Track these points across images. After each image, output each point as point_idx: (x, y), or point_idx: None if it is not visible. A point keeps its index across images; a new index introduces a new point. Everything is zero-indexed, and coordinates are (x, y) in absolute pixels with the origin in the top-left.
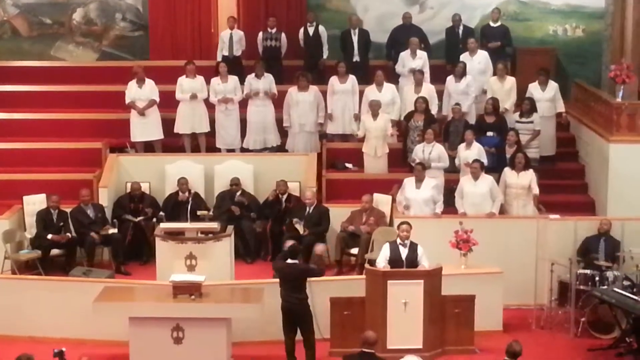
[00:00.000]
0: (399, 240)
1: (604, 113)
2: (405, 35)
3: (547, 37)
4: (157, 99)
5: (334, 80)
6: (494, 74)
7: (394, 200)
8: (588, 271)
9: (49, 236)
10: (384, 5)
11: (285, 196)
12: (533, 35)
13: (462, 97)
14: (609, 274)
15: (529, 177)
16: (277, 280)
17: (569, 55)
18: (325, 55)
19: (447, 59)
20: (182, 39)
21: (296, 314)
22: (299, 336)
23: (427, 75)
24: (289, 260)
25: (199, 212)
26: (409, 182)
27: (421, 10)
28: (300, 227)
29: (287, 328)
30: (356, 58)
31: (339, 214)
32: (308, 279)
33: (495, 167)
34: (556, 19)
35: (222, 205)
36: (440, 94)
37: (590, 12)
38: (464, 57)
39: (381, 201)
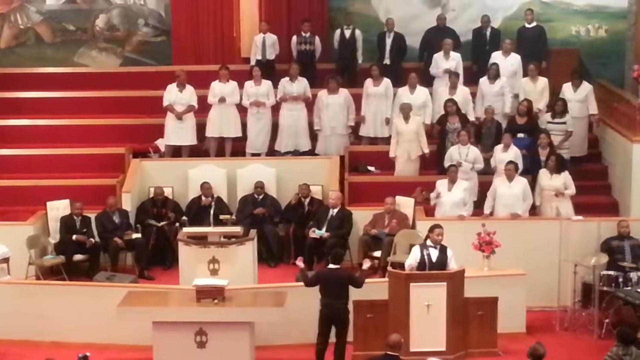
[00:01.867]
0: (429, 242)
1: (627, 113)
2: (438, 37)
3: (569, 37)
4: (196, 105)
5: (368, 83)
6: (524, 75)
7: (416, 203)
8: (611, 272)
9: (74, 237)
10: (405, 7)
11: (307, 200)
12: (555, 36)
13: (497, 99)
14: (633, 275)
15: (562, 179)
16: (299, 284)
17: (591, 56)
18: (360, 60)
19: (473, 60)
20: (205, 43)
21: (337, 319)
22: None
23: (461, 77)
24: (331, 266)
25: (221, 217)
26: (442, 184)
27: (443, 12)
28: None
29: (323, 331)
30: (386, 61)
31: (361, 217)
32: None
33: (527, 168)
34: (579, 20)
35: (244, 209)
36: (472, 96)
37: (612, 12)
38: (497, 57)
39: (404, 204)
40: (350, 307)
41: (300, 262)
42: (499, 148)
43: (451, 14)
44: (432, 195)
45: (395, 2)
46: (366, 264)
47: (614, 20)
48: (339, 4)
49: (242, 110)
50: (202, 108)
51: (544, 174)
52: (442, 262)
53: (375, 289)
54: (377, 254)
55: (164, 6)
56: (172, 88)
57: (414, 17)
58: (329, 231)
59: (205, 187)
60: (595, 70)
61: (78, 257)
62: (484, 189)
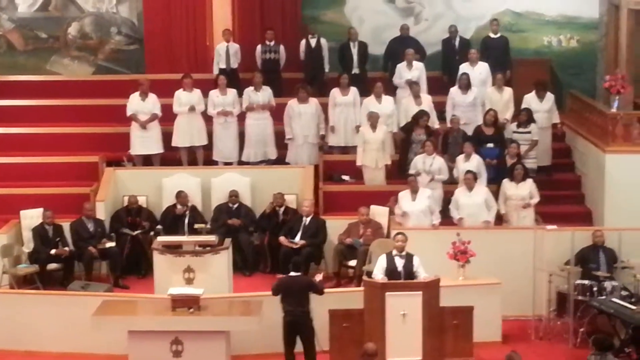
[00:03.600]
0: (394, 252)
1: (599, 123)
2: (402, 46)
3: (541, 48)
4: (160, 114)
5: (335, 92)
6: (493, 84)
7: (391, 212)
8: (586, 281)
9: (53, 251)
10: (379, 17)
11: (282, 209)
12: (528, 46)
13: (470, 109)
14: (607, 284)
15: (527, 187)
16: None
17: (563, 66)
18: (327, 69)
19: (443, 70)
20: (178, 52)
21: (300, 326)
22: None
23: (423, 86)
24: (292, 273)
25: (196, 226)
26: (405, 195)
27: (416, 22)
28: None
29: (289, 340)
30: (355, 70)
31: (336, 226)
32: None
33: (495, 178)
34: (551, 30)
35: (219, 218)
36: (440, 105)
37: (584, 23)
38: (465, 67)
39: (378, 213)
40: (313, 313)
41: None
42: (460, 158)
43: (424, 24)
44: (396, 211)
45: (369, 12)
46: (318, 277)
47: (585, 31)
48: (311, 13)
49: (207, 119)
50: (167, 117)
51: (508, 184)
52: (408, 270)
53: (350, 298)
54: (353, 263)
55: (136, 14)
56: (134, 97)
57: (388, 26)
58: (304, 240)
59: (182, 197)
60: (567, 80)
61: (52, 266)
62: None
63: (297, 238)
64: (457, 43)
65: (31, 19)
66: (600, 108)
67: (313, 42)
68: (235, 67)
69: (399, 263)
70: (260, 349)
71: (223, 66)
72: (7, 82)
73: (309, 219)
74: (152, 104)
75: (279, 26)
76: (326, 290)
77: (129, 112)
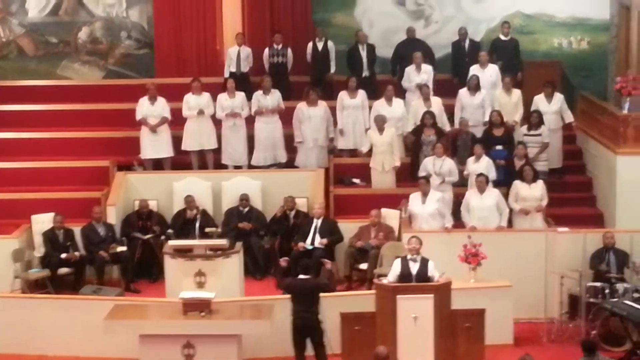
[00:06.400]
0: (409, 256)
1: (610, 125)
2: (410, 49)
3: (552, 49)
4: (169, 117)
5: (343, 95)
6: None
7: (402, 215)
8: (598, 284)
9: (63, 255)
10: (389, 20)
11: (293, 212)
12: (538, 48)
13: (478, 111)
14: (619, 286)
15: (539, 188)
16: (287, 296)
17: (574, 68)
18: (332, 70)
19: (453, 72)
20: (188, 56)
21: (309, 329)
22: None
23: (431, 87)
24: (301, 276)
25: (207, 229)
26: (415, 197)
27: (426, 24)
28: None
29: (299, 344)
30: (365, 73)
31: (347, 229)
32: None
33: (504, 180)
34: (561, 32)
35: (230, 222)
36: (450, 108)
37: (595, 25)
38: (475, 69)
39: (389, 216)
40: (323, 316)
41: (284, 262)
42: (471, 159)
43: (434, 26)
44: (403, 213)
45: (379, 15)
46: (327, 264)
47: (596, 33)
48: (321, 16)
49: (216, 122)
50: (177, 120)
51: (520, 184)
52: (422, 275)
53: (362, 301)
54: (364, 266)
55: (146, 18)
56: (143, 101)
57: (398, 29)
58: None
59: (188, 201)
60: (578, 82)
61: (63, 270)
62: (460, 200)
63: (308, 241)
64: (467, 45)
65: (42, 23)
66: (611, 110)
67: (320, 45)
68: (245, 70)
69: (413, 268)
70: (272, 353)
71: (233, 69)
72: (18, 87)
73: (320, 221)
74: (161, 107)
75: (290, 29)
76: (338, 293)
77: (138, 117)
